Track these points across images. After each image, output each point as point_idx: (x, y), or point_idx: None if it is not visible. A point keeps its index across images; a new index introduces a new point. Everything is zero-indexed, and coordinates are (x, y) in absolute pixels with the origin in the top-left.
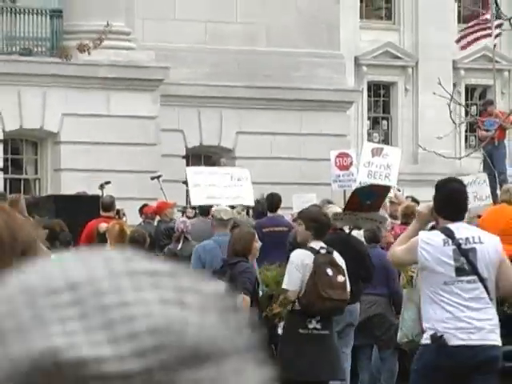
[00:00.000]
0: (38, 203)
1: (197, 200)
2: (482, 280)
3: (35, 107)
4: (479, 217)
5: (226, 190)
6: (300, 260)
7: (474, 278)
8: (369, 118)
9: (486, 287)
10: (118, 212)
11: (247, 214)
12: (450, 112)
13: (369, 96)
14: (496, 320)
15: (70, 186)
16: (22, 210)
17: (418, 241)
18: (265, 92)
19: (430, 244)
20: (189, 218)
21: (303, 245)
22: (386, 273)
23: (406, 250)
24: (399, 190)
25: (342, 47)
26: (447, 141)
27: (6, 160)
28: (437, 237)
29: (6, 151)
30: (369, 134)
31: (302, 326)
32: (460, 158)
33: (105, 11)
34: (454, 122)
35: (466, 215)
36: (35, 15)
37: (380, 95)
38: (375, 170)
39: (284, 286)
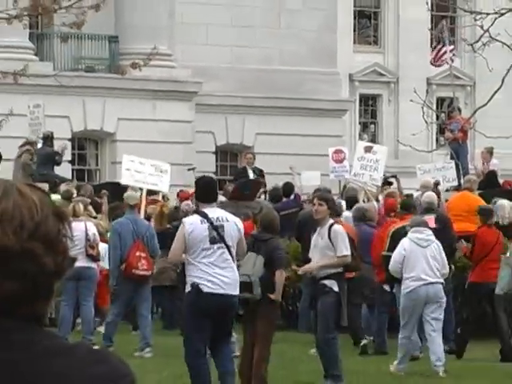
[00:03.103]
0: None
1: (126, 181)
2: (227, 247)
3: (96, 113)
4: (446, 201)
5: (149, 177)
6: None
7: (222, 245)
8: (360, 123)
9: (230, 252)
10: (163, 196)
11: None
12: (423, 113)
13: (360, 105)
14: (236, 276)
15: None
16: (86, 191)
17: (184, 223)
18: (278, 102)
19: (192, 224)
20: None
21: (321, 221)
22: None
23: (179, 234)
24: (397, 179)
25: (338, 66)
26: (422, 141)
27: (73, 154)
28: (195, 218)
29: (73, 147)
30: (359, 135)
31: None
32: (431, 151)
33: (152, 37)
34: (426, 122)
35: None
36: (97, 40)
37: (369, 105)
38: (366, 163)
39: (345, 252)
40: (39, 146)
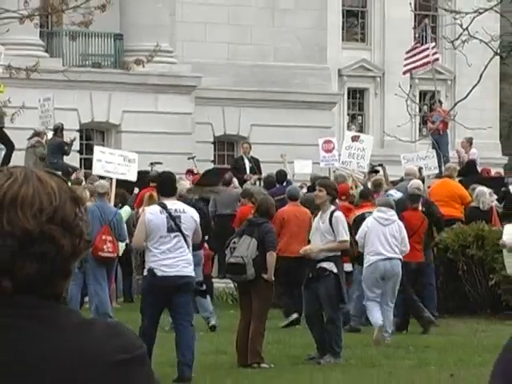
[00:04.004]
0: None
1: (97, 171)
2: (183, 236)
3: (103, 106)
4: (428, 187)
5: (118, 167)
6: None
7: (178, 234)
8: (348, 115)
9: (185, 241)
10: None
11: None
12: (407, 106)
13: (348, 98)
14: (190, 260)
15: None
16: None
17: (145, 212)
18: (272, 95)
19: (152, 214)
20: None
21: (323, 206)
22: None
23: (140, 222)
24: (383, 167)
25: (328, 62)
26: (406, 131)
27: (81, 144)
28: (155, 208)
29: (81, 138)
30: (348, 126)
31: None
32: (414, 142)
33: (154, 35)
34: (409, 114)
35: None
36: (103, 38)
37: (356, 98)
38: (354, 151)
39: (346, 237)
40: (49, 136)
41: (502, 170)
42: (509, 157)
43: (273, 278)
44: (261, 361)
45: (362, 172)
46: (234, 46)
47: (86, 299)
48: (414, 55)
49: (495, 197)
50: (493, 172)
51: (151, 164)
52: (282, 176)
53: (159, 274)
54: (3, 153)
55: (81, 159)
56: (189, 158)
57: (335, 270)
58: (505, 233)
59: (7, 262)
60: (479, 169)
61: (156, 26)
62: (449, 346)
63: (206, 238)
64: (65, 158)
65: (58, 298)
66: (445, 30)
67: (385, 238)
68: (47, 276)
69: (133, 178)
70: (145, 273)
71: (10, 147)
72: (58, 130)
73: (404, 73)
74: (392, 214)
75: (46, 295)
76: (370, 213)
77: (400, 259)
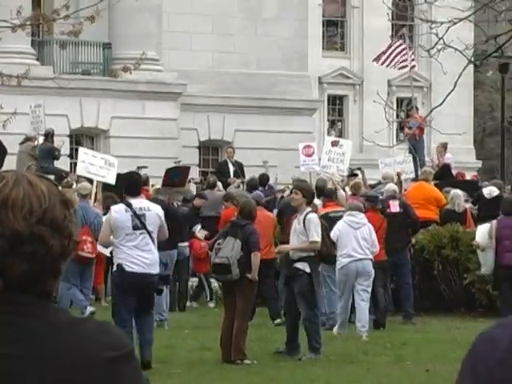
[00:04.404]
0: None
1: (80, 171)
2: (148, 233)
3: (92, 112)
4: (405, 190)
5: (99, 169)
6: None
7: (144, 231)
8: (328, 120)
9: (151, 237)
10: (152, 186)
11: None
12: (385, 112)
13: (328, 105)
14: (156, 257)
15: (117, 168)
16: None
17: (111, 211)
18: (255, 102)
19: (117, 212)
20: (203, 188)
21: (300, 208)
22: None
23: (106, 220)
24: (361, 171)
25: (309, 70)
26: (384, 137)
27: (71, 149)
28: (121, 206)
29: (71, 143)
30: (328, 132)
31: None
32: (392, 147)
33: (141, 44)
34: (387, 121)
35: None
36: (92, 46)
37: (336, 104)
38: (333, 156)
39: (316, 238)
40: (40, 141)
41: (476, 174)
42: (482, 161)
43: (256, 278)
44: (244, 357)
45: (342, 176)
46: (218, 54)
47: None
48: (393, 50)
49: (470, 199)
50: (468, 176)
51: (138, 168)
52: (264, 179)
53: (127, 269)
54: None
55: (71, 163)
56: (175, 162)
57: (308, 270)
58: (478, 233)
59: None
60: (454, 172)
61: (143, 36)
62: (425, 343)
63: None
64: (55, 162)
65: (49, 296)
66: (421, 39)
67: (356, 240)
68: (37, 275)
69: (112, 181)
70: (114, 268)
71: (3, 152)
72: (49, 136)
73: (374, 59)
74: (362, 218)
75: (37, 294)
76: (335, 212)
77: (371, 259)
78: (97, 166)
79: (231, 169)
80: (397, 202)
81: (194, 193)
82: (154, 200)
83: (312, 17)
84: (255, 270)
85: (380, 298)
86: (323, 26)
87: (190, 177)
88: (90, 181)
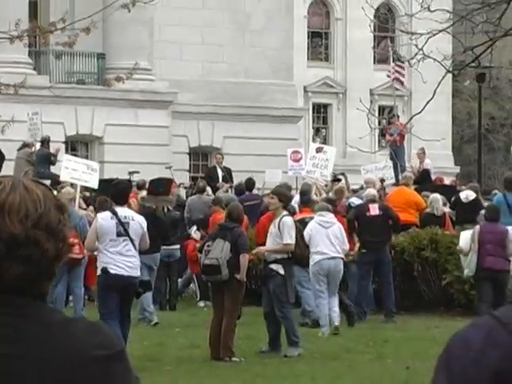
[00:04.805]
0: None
1: (64, 177)
2: (131, 240)
3: (87, 119)
4: (386, 194)
5: (82, 174)
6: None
7: (127, 238)
8: (313, 128)
9: (133, 244)
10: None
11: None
12: (368, 120)
13: (313, 113)
14: (138, 262)
15: (110, 172)
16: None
17: (97, 218)
18: (243, 110)
19: (104, 219)
20: (192, 193)
21: (276, 212)
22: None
23: (92, 226)
24: (345, 176)
25: (294, 79)
26: (366, 143)
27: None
28: (107, 214)
29: (67, 149)
30: (313, 138)
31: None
32: (374, 152)
33: (134, 54)
34: (370, 127)
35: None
36: (87, 57)
37: (321, 112)
38: (317, 162)
39: (289, 241)
40: (37, 146)
41: (455, 179)
42: (460, 167)
43: (245, 279)
44: (232, 355)
45: (325, 180)
46: (207, 64)
47: (71, 298)
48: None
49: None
50: (447, 181)
51: (129, 173)
52: (250, 184)
53: (112, 271)
54: None
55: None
56: (166, 168)
57: (281, 272)
58: (461, 239)
59: None
60: (433, 177)
61: (136, 46)
62: (405, 341)
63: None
64: (51, 167)
65: (44, 297)
66: (402, 50)
67: (328, 239)
68: (33, 278)
69: (94, 185)
70: (99, 272)
71: (1, 158)
72: (45, 142)
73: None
74: (331, 217)
75: (33, 296)
76: (311, 218)
77: (342, 258)
78: (79, 172)
79: (220, 174)
80: (376, 205)
81: (184, 197)
82: (142, 207)
83: (297, 28)
84: (243, 270)
85: (388, 292)
86: (308, 37)
87: (180, 182)
88: (72, 185)
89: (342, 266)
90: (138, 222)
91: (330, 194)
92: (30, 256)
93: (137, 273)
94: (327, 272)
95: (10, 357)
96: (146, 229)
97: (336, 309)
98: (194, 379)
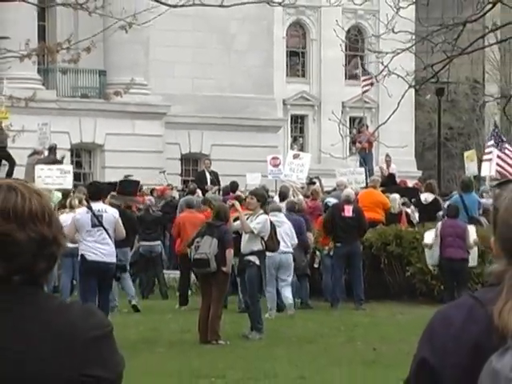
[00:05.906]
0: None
1: (38, 185)
2: (105, 230)
3: (90, 129)
4: (357, 194)
5: (56, 179)
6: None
7: (101, 228)
8: (291, 136)
9: (108, 234)
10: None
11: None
12: (340, 129)
13: (291, 123)
14: (112, 249)
15: (111, 176)
16: (80, 190)
17: (75, 213)
18: (228, 120)
19: (80, 214)
20: (184, 195)
21: (254, 211)
22: (299, 229)
23: (71, 220)
24: (319, 180)
25: (275, 93)
26: (338, 150)
27: (72, 161)
28: (83, 209)
29: (72, 156)
30: (291, 146)
31: None
32: (345, 158)
33: (131, 71)
34: (341, 135)
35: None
36: (90, 73)
37: (298, 122)
38: (294, 167)
39: (253, 229)
40: (45, 153)
41: (418, 182)
42: (422, 171)
43: (230, 271)
44: (218, 338)
45: (302, 183)
46: (197, 80)
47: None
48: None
49: (409, 203)
50: (410, 184)
51: (125, 176)
52: (234, 186)
53: (89, 258)
54: (6, 168)
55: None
56: (160, 172)
57: (257, 262)
58: (425, 237)
59: (30, 262)
60: (398, 181)
61: (133, 64)
62: (373, 326)
63: None
64: None
65: (43, 286)
66: (370, 67)
67: (280, 236)
68: (49, 271)
69: (69, 186)
70: (79, 258)
71: (12, 163)
72: (53, 149)
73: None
74: (282, 217)
75: (42, 285)
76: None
77: (291, 253)
78: (53, 177)
79: (208, 177)
80: (351, 207)
81: (177, 198)
82: (111, 204)
83: (277, 48)
84: (229, 264)
85: (358, 281)
86: (287, 56)
87: (173, 185)
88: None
89: (292, 260)
90: (110, 214)
91: (300, 197)
92: (54, 253)
93: (112, 259)
94: (278, 265)
95: (10, 340)
96: (118, 218)
97: (288, 295)
98: (184, 359)
